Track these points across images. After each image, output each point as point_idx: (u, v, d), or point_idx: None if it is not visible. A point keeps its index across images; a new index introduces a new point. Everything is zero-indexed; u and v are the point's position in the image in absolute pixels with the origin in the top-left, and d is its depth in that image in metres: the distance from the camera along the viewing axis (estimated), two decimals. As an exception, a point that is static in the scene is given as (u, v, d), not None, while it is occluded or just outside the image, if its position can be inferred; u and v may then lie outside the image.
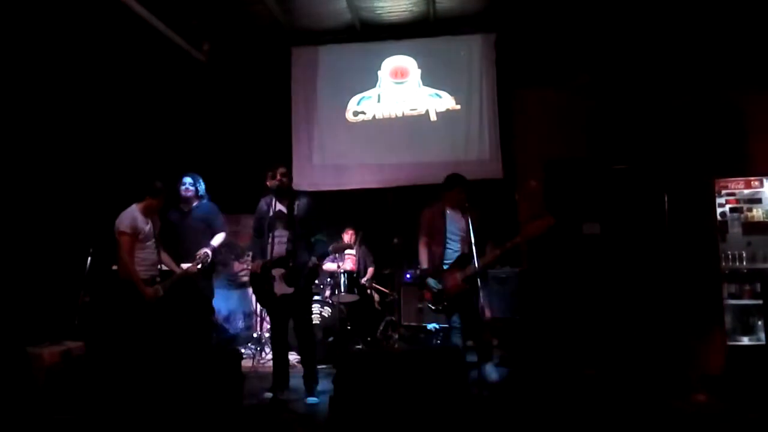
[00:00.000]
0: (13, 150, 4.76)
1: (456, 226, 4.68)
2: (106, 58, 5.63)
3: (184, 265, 4.81)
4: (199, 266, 4.83)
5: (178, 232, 5.01)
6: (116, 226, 4.47)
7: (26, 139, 4.90)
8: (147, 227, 4.55)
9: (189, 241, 5.00)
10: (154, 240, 4.59)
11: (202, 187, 5.15)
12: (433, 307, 4.74)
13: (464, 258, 4.58)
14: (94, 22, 5.27)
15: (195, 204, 5.12)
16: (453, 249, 4.69)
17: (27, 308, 4.65)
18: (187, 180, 5.08)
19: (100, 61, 5.59)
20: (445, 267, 4.67)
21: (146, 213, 4.58)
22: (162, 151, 6.08)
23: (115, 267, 4.65)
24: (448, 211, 4.75)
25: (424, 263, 4.78)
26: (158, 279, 4.56)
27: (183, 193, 5.07)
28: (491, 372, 4.60)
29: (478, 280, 4.40)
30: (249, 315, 6.78)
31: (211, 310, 5.33)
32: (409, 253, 6.61)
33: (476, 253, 4.47)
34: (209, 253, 4.92)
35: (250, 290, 5.67)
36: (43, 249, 4.93)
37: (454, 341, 4.66)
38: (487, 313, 4.66)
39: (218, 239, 5.10)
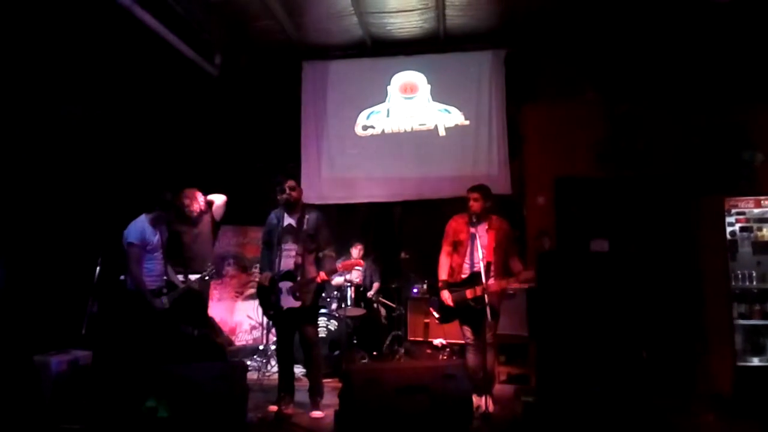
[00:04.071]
0: (23, 158, 4.81)
1: (479, 239, 4.51)
2: (118, 69, 5.69)
3: (192, 277, 4.84)
4: (206, 279, 4.89)
5: (182, 244, 5.03)
6: (125, 236, 4.50)
7: (37, 147, 4.95)
8: (155, 238, 4.58)
9: (194, 252, 5.04)
10: (161, 251, 4.61)
11: (201, 200, 5.23)
12: (437, 315, 4.73)
13: (475, 276, 4.49)
14: (106, 34, 5.33)
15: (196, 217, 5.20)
16: (472, 263, 4.56)
17: (35, 316, 4.66)
18: (185, 202, 5.12)
19: (112, 72, 5.65)
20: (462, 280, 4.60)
21: (155, 224, 4.61)
22: (172, 162, 6.12)
23: (123, 277, 4.68)
24: (474, 222, 4.60)
25: (442, 274, 4.70)
26: (165, 290, 4.57)
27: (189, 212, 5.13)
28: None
29: (486, 302, 4.26)
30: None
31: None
32: (416, 267, 6.63)
33: (494, 272, 4.43)
34: (214, 268, 5.01)
35: (257, 302, 5.68)
36: (52, 257, 4.94)
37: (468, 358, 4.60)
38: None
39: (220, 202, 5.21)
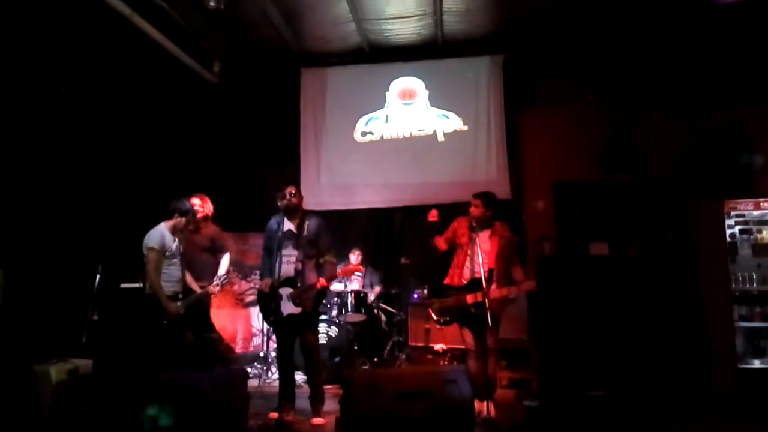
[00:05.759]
0: (22, 165, 4.82)
1: (481, 245, 4.51)
2: (118, 77, 5.71)
3: (213, 285, 4.86)
4: (219, 287, 4.91)
5: (187, 252, 5.04)
6: (145, 242, 4.53)
7: (37, 154, 4.96)
8: (174, 245, 4.61)
9: (196, 260, 5.06)
10: (179, 257, 4.65)
11: (209, 207, 5.24)
12: (436, 318, 4.72)
13: (476, 282, 4.47)
14: (107, 43, 5.36)
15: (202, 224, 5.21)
16: (473, 268, 4.56)
17: (34, 325, 4.66)
18: (197, 201, 5.15)
19: (112, 81, 5.67)
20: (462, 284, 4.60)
21: (174, 231, 4.65)
22: (172, 170, 6.13)
23: (123, 285, 4.69)
24: (475, 228, 4.61)
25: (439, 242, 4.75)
26: (181, 296, 4.60)
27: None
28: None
29: (487, 310, 4.23)
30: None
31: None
32: (416, 272, 6.63)
33: (495, 279, 4.42)
34: (227, 275, 5.03)
35: (257, 309, 5.67)
36: (52, 265, 4.95)
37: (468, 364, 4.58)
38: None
39: (226, 261, 5.17)
